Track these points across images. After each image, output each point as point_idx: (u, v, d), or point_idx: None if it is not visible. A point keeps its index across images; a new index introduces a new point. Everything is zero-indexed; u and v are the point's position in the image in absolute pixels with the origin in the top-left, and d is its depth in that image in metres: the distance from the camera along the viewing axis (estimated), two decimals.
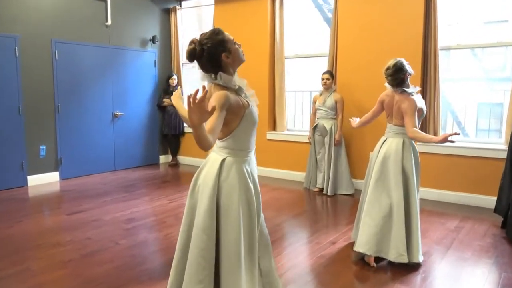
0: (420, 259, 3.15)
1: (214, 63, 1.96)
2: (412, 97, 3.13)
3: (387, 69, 3.17)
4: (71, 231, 3.92)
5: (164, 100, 7.24)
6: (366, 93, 5.39)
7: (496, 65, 5.55)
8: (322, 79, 5.34)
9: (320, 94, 5.46)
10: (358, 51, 5.47)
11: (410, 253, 3.13)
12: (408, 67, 3.17)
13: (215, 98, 1.87)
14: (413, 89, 3.19)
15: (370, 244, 3.13)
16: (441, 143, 2.88)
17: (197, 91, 1.59)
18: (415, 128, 3.04)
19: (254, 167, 2.13)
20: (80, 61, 6.24)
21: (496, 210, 4.17)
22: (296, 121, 6.75)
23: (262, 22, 6.27)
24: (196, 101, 1.57)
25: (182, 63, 7.58)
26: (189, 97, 1.56)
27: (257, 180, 2.13)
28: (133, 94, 7.01)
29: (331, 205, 5.01)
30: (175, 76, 7.27)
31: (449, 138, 2.82)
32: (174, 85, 7.22)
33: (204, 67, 1.99)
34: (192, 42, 1.97)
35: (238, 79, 2.03)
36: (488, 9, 5.15)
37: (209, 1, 7.12)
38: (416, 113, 3.10)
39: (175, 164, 7.42)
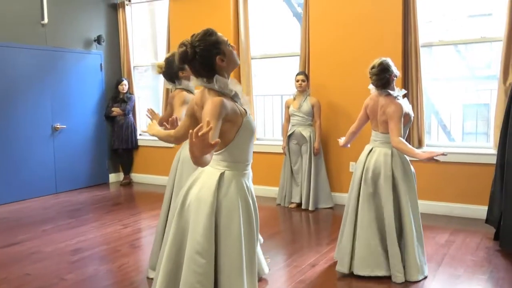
0: (419, 277, 3.28)
1: (208, 67, 2.03)
2: (398, 101, 3.25)
3: (372, 68, 3.30)
4: (6, 267, 3.78)
5: (113, 109, 7.14)
6: (343, 96, 5.52)
7: (481, 62, 5.83)
8: (297, 81, 5.43)
9: (294, 98, 5.55)
10: (333, 50, 5.60)
11: (407, 271, 3.26)
12: (394, 68, 3.30)
13: (210, 106, 1.92)
14: (399, 92, 3.32)
15: (364, 265, 3.28)
16: (425, 160, 3.02)
17: (201, 127, 1.65)
18: (400, 138, 3.14)
19: (251, 181, 2.20)
20: (11, 66, 6.07)
21: (487, 221, 4.34)
22: (267, 129, 6.81)
23: (224, 18, 6.32)
24: (199, 134, 1.62)
25: (133, 67, 7.52)
26: (191, 133, 1.62)
27: (254, 196, 2.18)
28: (76, 103, 6.88)
29: (309, 222, 5.07)
30: (125, 82, 7.19)
31: (435, 157, 2.96)
32: (124, 91, 7.14)
33: (197, 71, 2.05)
34: (182, 44, 2.04)
35: (233, 84, 2.08)
36: (471, 2, 5.41)
37: None
38: (403, 119, 3.21)
39: (128, 183, 7.31)
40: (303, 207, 5.45)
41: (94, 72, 7.15)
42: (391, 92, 3.28)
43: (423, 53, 5.24)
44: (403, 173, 3.30)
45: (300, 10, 6.65)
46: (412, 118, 3.37)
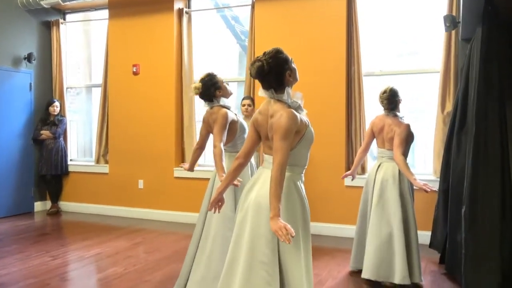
0: (422, 279, 3.66)
1: (279, 81, 2.29)
2: (407, 122, 3.71)
3: (384, 92, 3.77)
4: None
5: (42, 132, 6.66)
6: None
7: (417, 95, 6.09)
8: (243, 105, 5.32)
9: None
10: None
11: (412, 274, 3.58)
12: (400, 94, 3.79)
13: (286, 120, 2.15)
14: (402, 114, 3.82)
15: (375, 270, 3.61)
16: (417, 188, 3.48)
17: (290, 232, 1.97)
18: (403, 157, 3.59)
19: (303, 185, 2.37)
20: None
21: (431, 245, 4.43)
22: (209, 154, 6.62)
23: (167, 41, 6.19)
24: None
25: (66, 88, 7.11)
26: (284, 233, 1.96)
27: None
28: (1, 124, 6.34)
29: None
30: (57, 103, 6.76)
31: (428, 190, 3.41)
32: (55, 113, 6.70)
33: (269, 84, 2.29)
34: (258, 60, 2.29)
35: (297, 97, 2.33)
36: (408, 41, 5.76)
37: (102, 15, 6.87)
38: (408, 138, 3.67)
39: (56, 212, 6.76)
40: None
41: (23, 92, 6.66)
42: (398, 114, 3.76)
43: (366, 82, 5.39)
44: (409, 185, 3.68)
45: (243, 37, 6.67)
46: (414, 139, 3.77)
